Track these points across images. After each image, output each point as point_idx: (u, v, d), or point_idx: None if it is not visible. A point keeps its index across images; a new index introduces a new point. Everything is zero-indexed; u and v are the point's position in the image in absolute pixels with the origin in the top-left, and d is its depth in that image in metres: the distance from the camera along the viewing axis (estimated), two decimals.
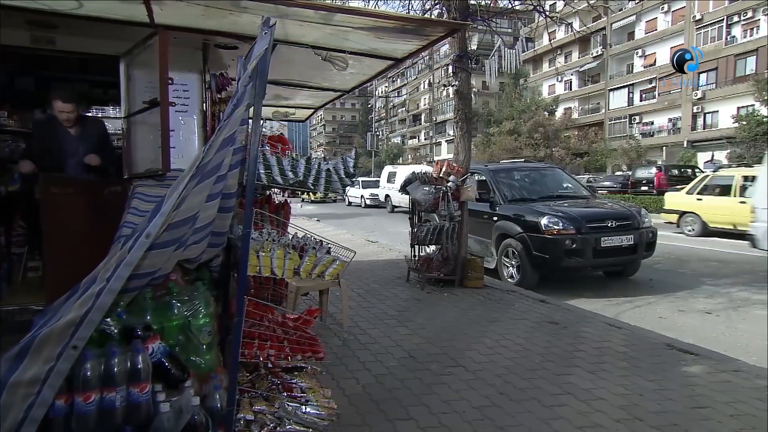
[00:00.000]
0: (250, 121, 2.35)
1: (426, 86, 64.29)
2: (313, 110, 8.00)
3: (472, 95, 7.35)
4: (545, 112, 41.85)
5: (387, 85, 76.34)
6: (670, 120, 37.16)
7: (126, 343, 2.20)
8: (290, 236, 2.73)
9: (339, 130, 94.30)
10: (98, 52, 4.55)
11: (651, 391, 3.37)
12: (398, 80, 72.44)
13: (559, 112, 44.28)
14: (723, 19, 33.21)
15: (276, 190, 3.51)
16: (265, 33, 2.24)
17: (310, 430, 2.35)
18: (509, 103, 43.99)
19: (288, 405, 2.38)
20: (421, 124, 68.28)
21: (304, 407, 2.42)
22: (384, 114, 79.67)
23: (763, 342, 4.70)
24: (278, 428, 2.32)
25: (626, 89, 40.60)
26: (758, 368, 3.77)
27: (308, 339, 2.49)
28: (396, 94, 74.96)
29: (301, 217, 15.74)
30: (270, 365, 2.68)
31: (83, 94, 5.66)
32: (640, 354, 4.07)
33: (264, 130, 3.72)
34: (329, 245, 2.60)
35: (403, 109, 73.62)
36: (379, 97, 77.99)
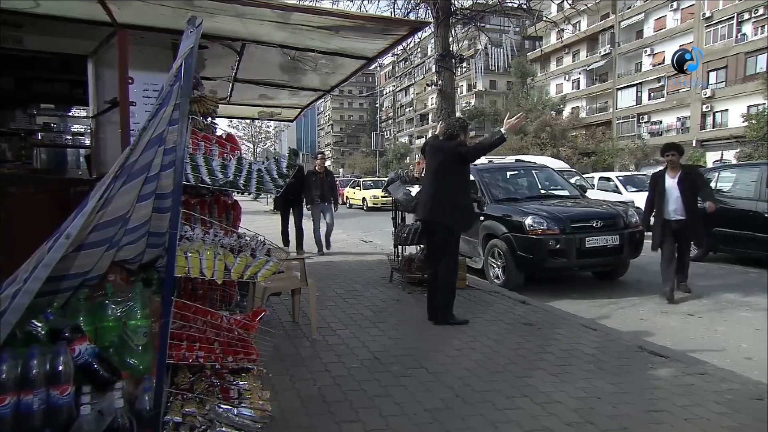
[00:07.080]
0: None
1: (434, 85, 64.02)
2: (300, 110, 7.99)
3: (457, 95, 7.30)
4: (552, 112, 41.57)
5: (395, 84, 76.27)
6: (678, 119, 36.77)
7: (53, 344, 2.19)
8: (235, 237, 2.70)
9: (347, 130, 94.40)
10: (67, 52, 4.57)
11: (610, 394, 3.30)
12: (405, 79, 72.30)
13: (567, 112, 43.97)
14: (733, 17, 32.74)
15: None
16: (191, 32, 2.21)
17: None
18: (516, 102, 43.73)
19: (219, 407, 2.36)
20: (428, 124, 68.06)
21: (236, 409, 2.39)
22: (392, 113, 79.58)
23: (740, 344, 4.62)
24: (208, 431, 2.29)
25: (634, 88, 40.23)
26: (725, 371, 3.69)
27: (240, 341, 2.46)
28: (404, 94, 74.85)
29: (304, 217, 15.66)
30: (218, 366, 2.66)
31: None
32: (609, 356, 4.00)
33: (218, 130, 3.70)
34: (269, 246, 2.56)
35: (411, 108, 73.50)
36: (386, 96, 77.94)
